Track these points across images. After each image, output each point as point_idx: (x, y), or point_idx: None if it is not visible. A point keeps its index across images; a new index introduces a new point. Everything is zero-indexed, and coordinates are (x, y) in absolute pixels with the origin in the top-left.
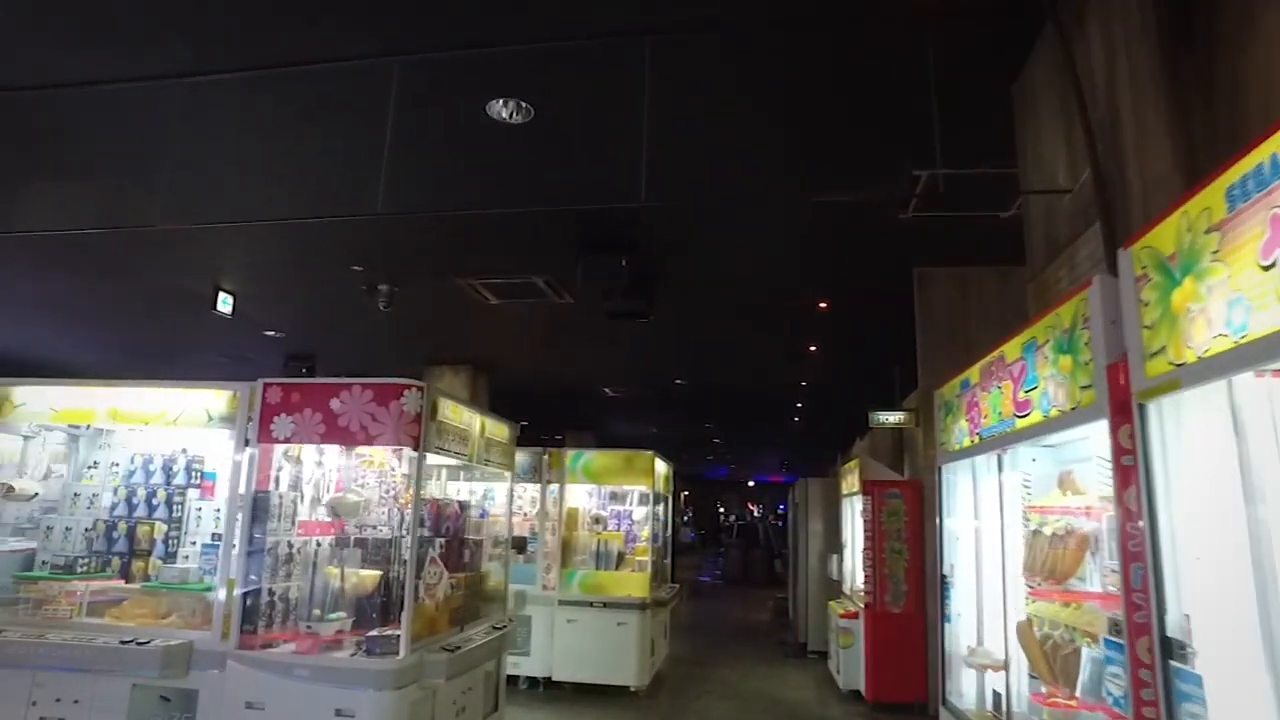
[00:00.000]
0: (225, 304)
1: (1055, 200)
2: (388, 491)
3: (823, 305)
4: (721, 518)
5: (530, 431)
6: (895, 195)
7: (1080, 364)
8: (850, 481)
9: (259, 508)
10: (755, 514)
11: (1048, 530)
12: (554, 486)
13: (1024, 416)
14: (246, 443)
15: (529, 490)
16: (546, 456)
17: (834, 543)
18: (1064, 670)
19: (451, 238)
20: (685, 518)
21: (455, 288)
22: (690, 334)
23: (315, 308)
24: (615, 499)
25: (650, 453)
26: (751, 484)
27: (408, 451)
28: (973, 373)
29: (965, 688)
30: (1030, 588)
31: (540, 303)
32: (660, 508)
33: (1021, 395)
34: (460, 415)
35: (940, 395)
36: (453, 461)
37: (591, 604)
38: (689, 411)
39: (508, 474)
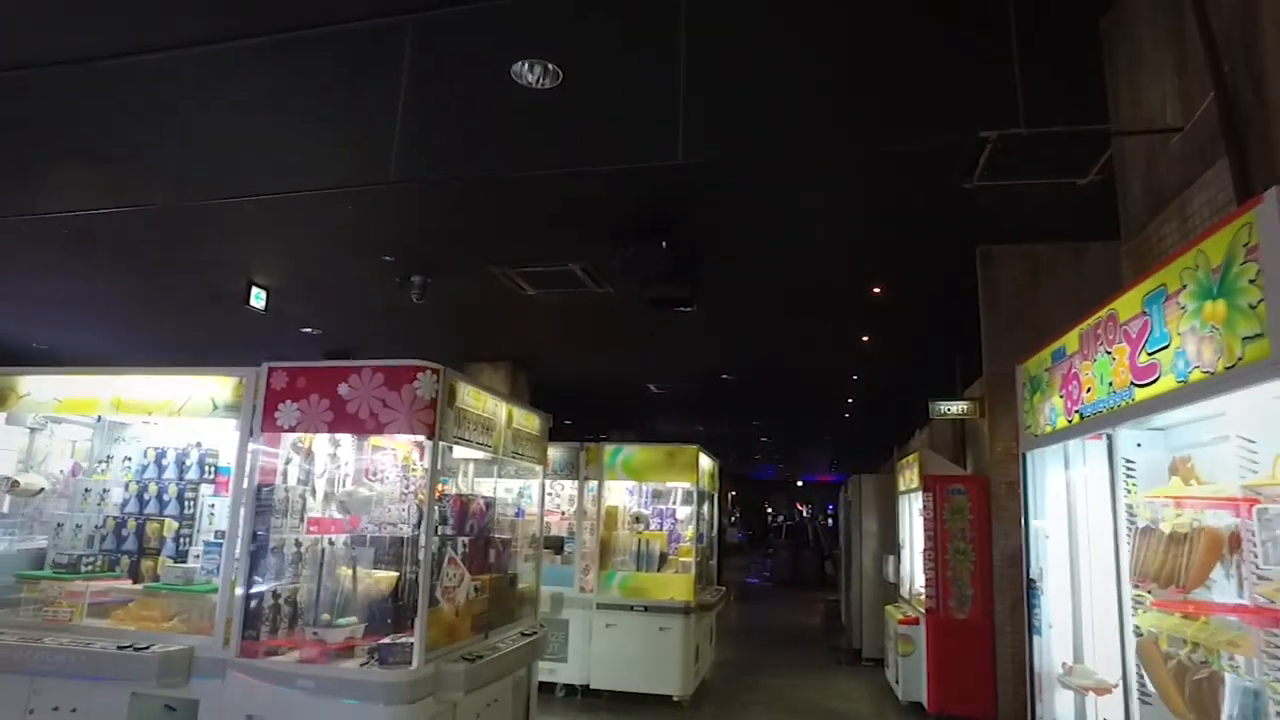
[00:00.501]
0: (259, 299)
1: (1158, 146)
2: (409, 486)
3: (876, 291)
4: (770, 518)
5: (575, 431)
6: (959, 162)
7: (1242, 309)
8: (908, 477)
9: (263, 503)
10: (804, 514)
11: (1164, 527)
12: (592, 484)
13: (1148, 384)
14: (252, 433)
15: (566, 488)
16: (584, 452)
17: (889, 543)
18: (1196, 699)
19: (482, 222)
20: (733, 518)
21: (490, 278)
22: (736, 325)
23: (351, 303)
24: (658, 497)
25: (694, 447)
26: (800, 484)
27: (430, 442)
28: (1068, 340)
29: (1060, 711)
30: (1141, 596)
31: (578, 293)
32: (705, 506)
33: (1144, 359)
34: (484, 403)
35: (1024, 371)
36: (480, 454)
37: (632, 607)
38: (736, 409)
39: (539, 468)
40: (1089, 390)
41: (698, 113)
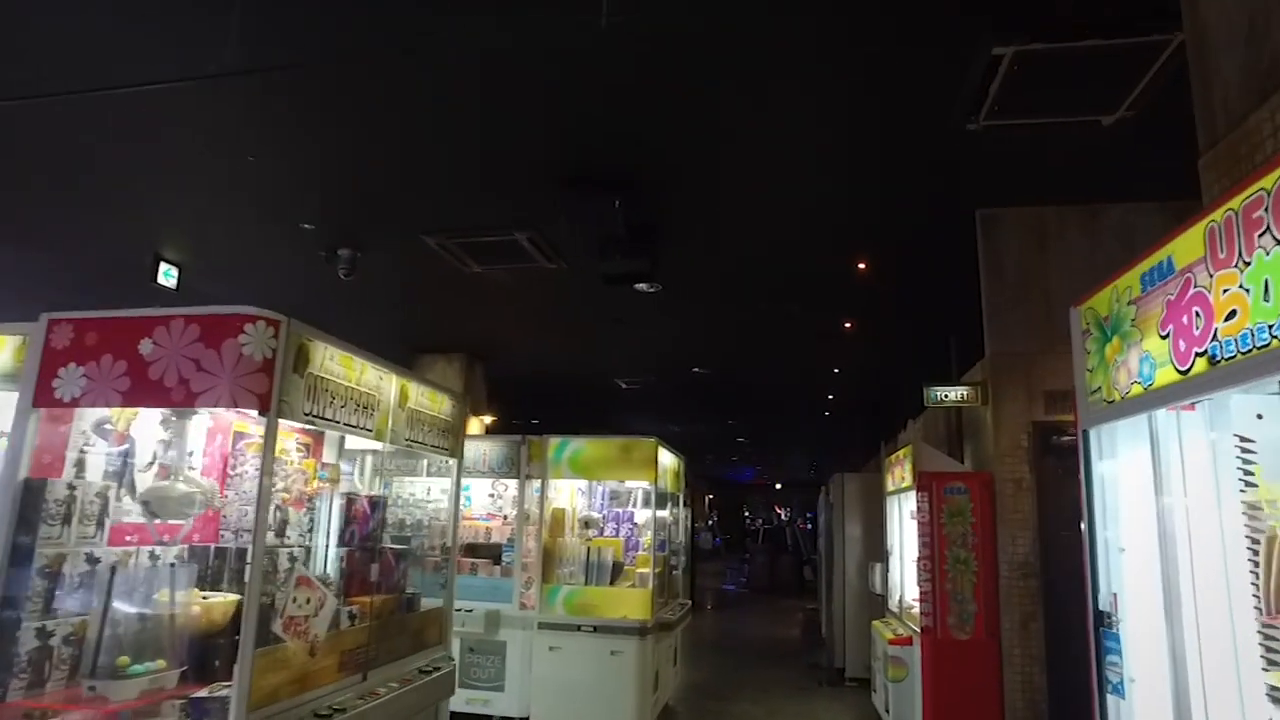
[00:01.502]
0: (168, 276)
1: (1258, 12)
2: (283, 482)
3: (861, 266)
4: (748, 522)
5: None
6: (964, 95)
7: None
8: (898, 475)
9: (30, 502)
10: (783, 517)
11: None
12: (535, 483)
13: None
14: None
15: (511, 488)
16: (525, 446)
17: (876, 550)
18: None
19: (405, 180)
20: (710, 522)
21: (428, 253)
22: (706, 312)
23: (276, 283)
24: (616, 499)
25: (652, 440)
26: (779, 487)
27: (263, 418)
28: (1180, 247)
29: None
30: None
31: (528, 269)
32: (671, 509)
33: None
34: (359, 373)
35: (1086, 314)
36: (372, 443)
37: (579, 627)
38: (710, 407)
39: (453, 461)
40: (1233, 315)
41: None
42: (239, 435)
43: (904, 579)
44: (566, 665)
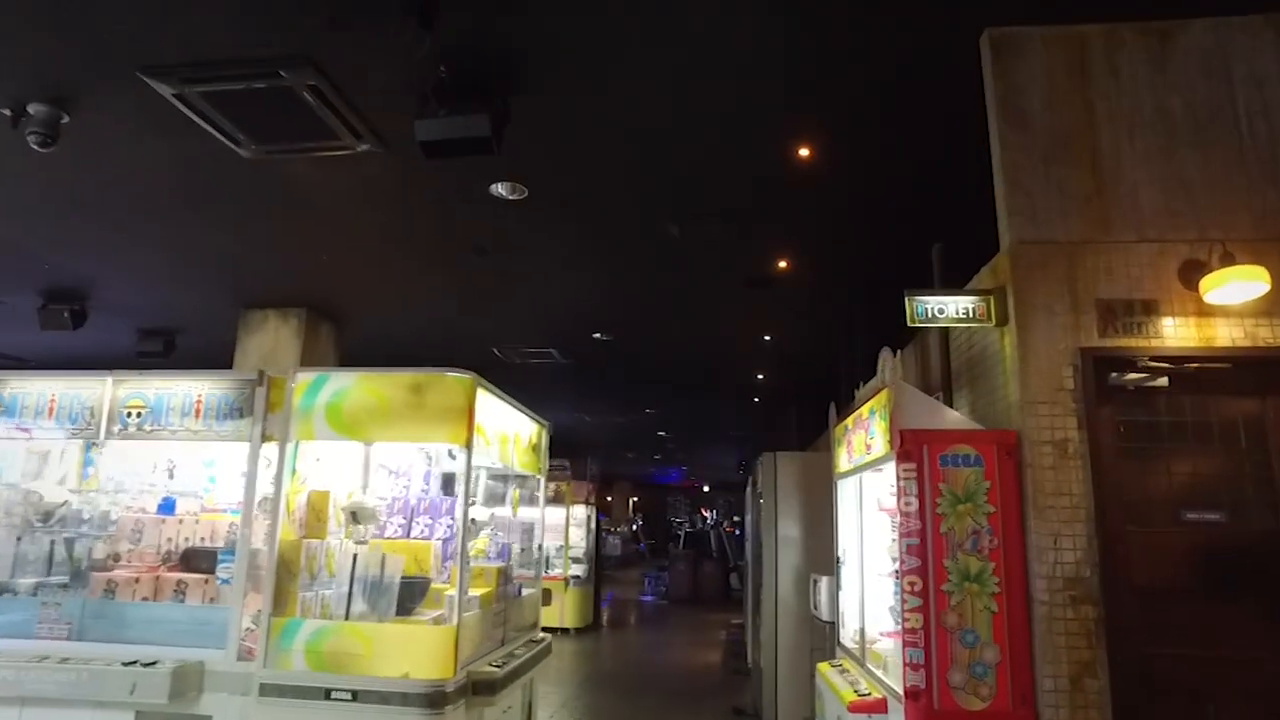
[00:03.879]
0: None
1: None
2: None
3: (804, 152)
4: (675, 526)
5: None
6: None
7: None
8: (859, 443)
9: None
10: (709, 520)
11: None
12: (272, 448)
13: None
14: None
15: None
16: (263, 388)
17: (821, 556)
18: None
19: None
20: (635, 526)
21: (177, 118)
22: (596, 236)
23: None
24: (448, 484)
25: (467, 376)
26: (707, 489)
27: None
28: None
29: None
30: None
31: (337, 160)
32: (519, 495)
33: None
34: None
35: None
36: None
37: (329, 692)
38: (622, 392)
39: None
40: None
41: None
42: None
43: (865, 601)
44: None
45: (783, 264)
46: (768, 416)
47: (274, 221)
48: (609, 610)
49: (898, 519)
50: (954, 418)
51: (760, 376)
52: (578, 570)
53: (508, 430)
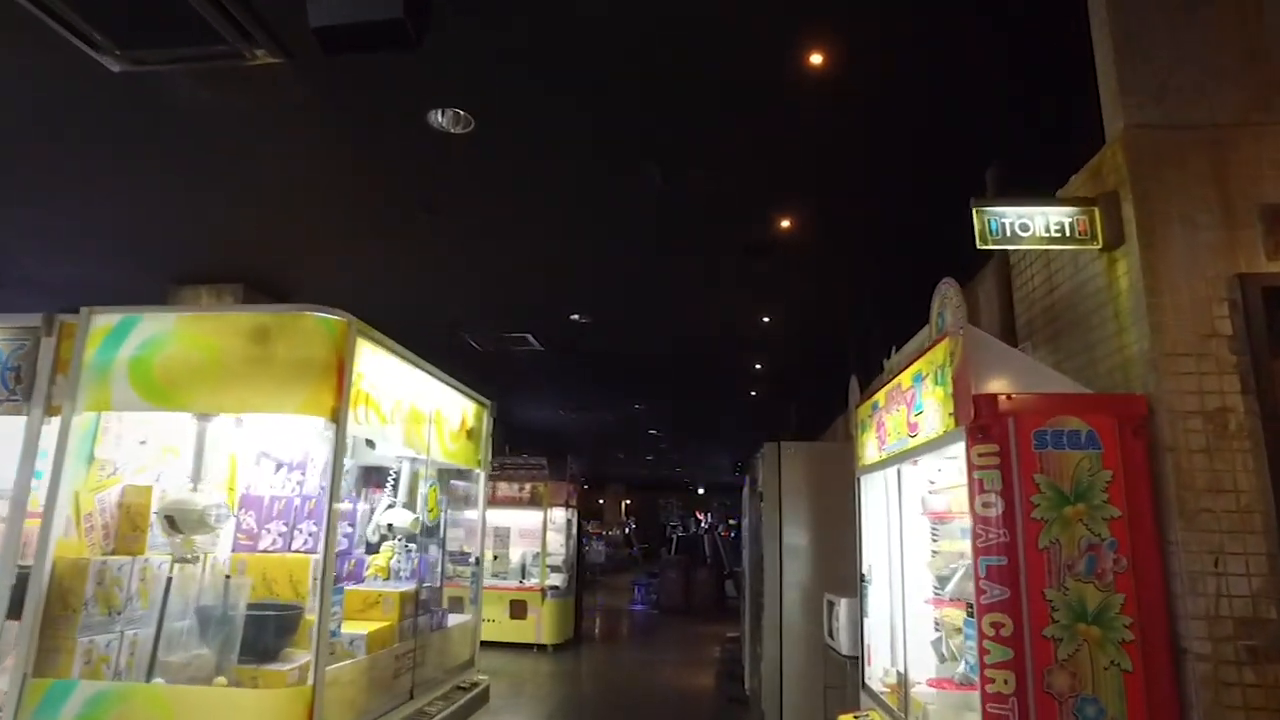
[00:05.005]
0: None
1: None
2: None
3: (816, 59)
4: (669, 529)
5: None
6: None
7: None
8: (894, 423)
9: None
10: (704, 524)
11: None
12: (54, 420)
13: None
14: None
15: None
16: (52, 338)
17: (835, 571)
18: None
19: None
20: (627, 530)
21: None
22: (562, 185)
23: None
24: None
25: (336, 317)
26: (701, 491)
27: None
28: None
29: None
30: None
31: (226, 72)
32: (437, 491)
33: None
34: None
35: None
36: None
37: None
38: (605, 383)
39: None
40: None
41: None
42: None
43: (904, 633)
44: None
45: (786, 223)
46: (766, 413)
47: (174, 170)
48: (592, 622)
49: (950, 523)
50: (1053, 379)
51: (758, 366)
52: (556, 580)
53: (424, 406)
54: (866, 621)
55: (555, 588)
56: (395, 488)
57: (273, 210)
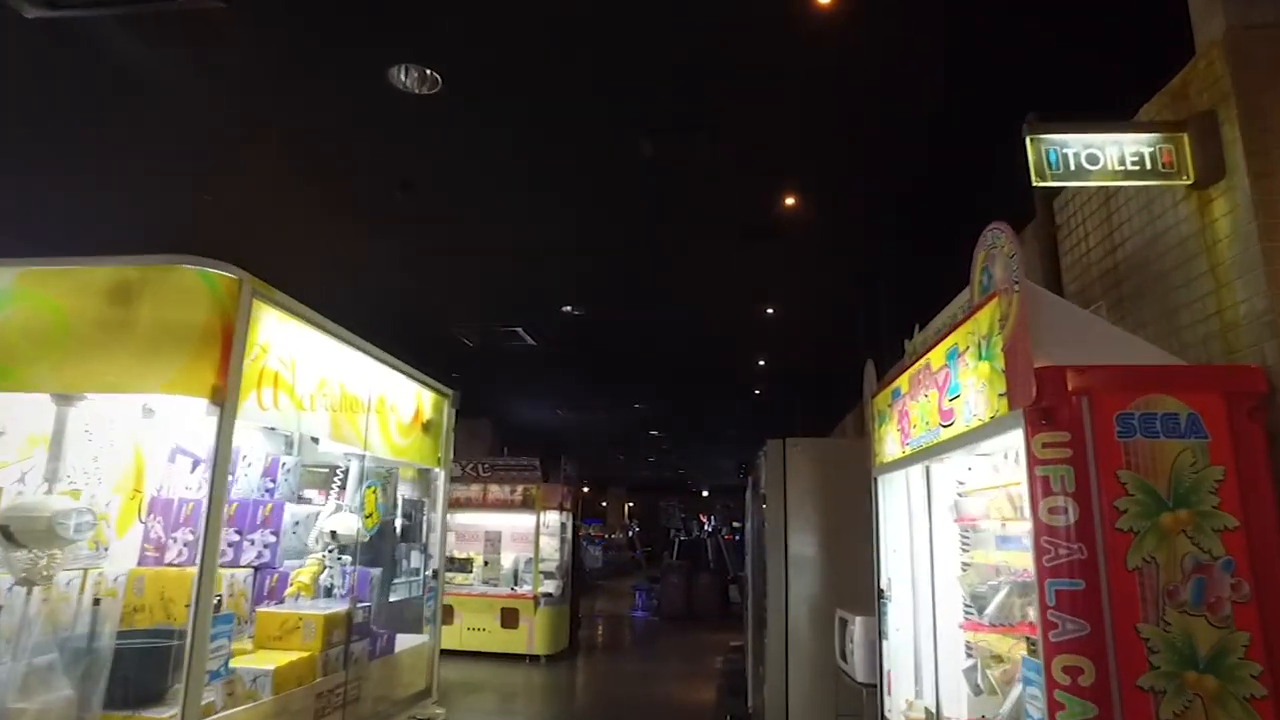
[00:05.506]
0: None
1: None
2: None
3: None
4: (671, 533)
5: None
6: None
7: None
8: (921, 412)
9: None
10: (707, 527)
11: None
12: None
13: None
14: None
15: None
16: None
17: (851, 584)
18: None
19: None
20: (630, 533)
21: None
22: (547, 158)
23: None
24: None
25: (221, 272)
26: (705, 494)
27: None
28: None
29: None
30: None
31: (155, 20)
32: (384, 496)
33: None
34: None
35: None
36: None
37: None
38: (601, 381)
39: None
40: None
41: None
42: None
43: (934, 658)
44: None
45: (790, 200)
46: (769, 413)
47: (119, 140)
48: (589, 631)
49: (983, 531)
50: (1139, 348)
51: (761, 362)
52: (550, 587)
53: (359, 392)
54: (885, 644)
55: (549, 595)
56: (342, 489)
57: (222, 188)
